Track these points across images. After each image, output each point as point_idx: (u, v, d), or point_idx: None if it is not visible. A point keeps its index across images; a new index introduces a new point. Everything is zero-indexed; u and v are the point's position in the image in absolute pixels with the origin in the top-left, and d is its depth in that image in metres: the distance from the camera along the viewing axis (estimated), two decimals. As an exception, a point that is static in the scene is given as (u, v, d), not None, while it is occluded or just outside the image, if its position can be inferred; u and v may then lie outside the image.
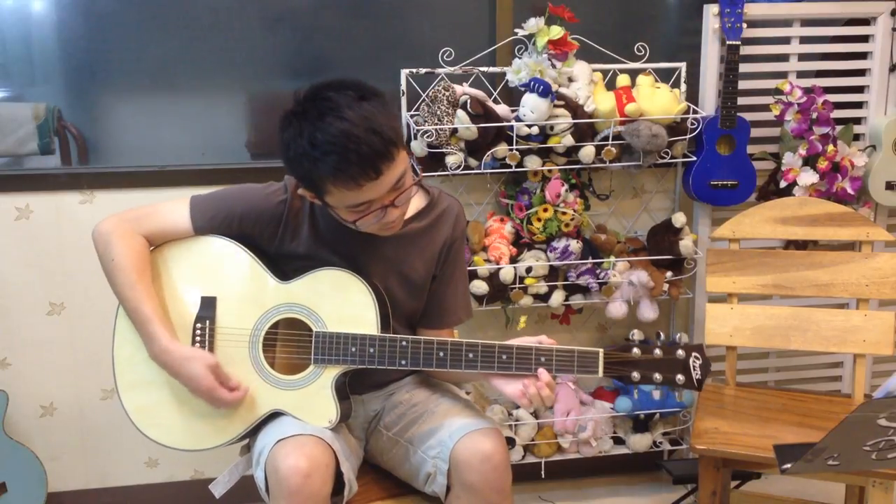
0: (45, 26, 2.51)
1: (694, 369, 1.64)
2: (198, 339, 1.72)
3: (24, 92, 2.54)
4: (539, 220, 2.46)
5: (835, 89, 2.62)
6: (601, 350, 1.64)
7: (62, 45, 2.53)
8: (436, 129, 2.32)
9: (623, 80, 2.48)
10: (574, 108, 2.41)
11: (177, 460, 2.66)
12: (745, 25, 2.47)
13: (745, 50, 2.51)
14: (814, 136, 2.51)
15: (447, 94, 2.33)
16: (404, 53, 2.65)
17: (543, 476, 2.64)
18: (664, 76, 2.54)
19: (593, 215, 2.63)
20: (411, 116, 2.42)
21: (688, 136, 2.50)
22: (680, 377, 1.63)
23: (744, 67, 2.48)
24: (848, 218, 2.26)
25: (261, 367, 1.72)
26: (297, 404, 1.71)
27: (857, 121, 2.68)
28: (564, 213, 2.46)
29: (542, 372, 1.63)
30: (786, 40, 2.63)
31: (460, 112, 2.33)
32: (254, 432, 1.74)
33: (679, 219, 2.54)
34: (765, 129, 2.63)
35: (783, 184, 2.57)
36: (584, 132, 2.43)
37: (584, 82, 2.46)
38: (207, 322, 1.72)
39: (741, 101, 2.49)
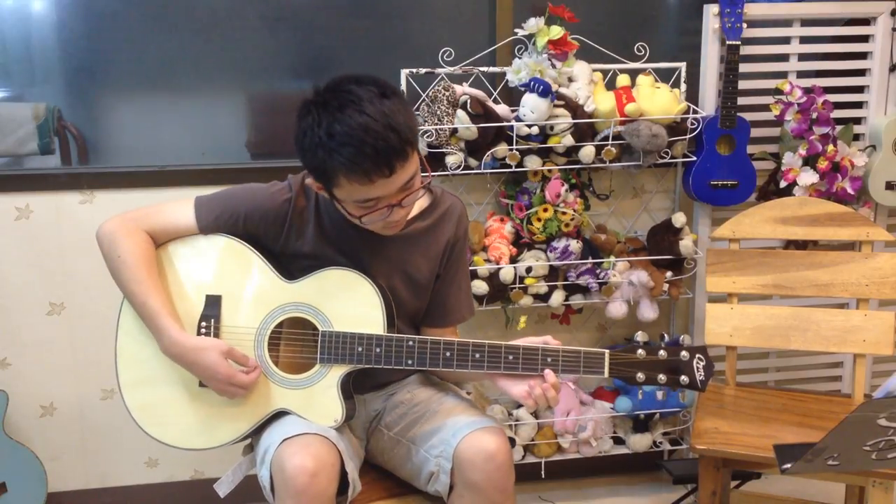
0: (45, 26, 2.51)
1: (698, 370, 1.65)
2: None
3: (24, 92, 2.54)
4: (539, 220, 2.46)
5: (835, 89, 2.62)
6: (607, 351, 1.65)
7: (62, 45, 2.53)
8: (436, 129, 2.32)
9: (623, 80, 2.48)
10: (574, 108, 2.41)
11: (177, 460, 2.66)
12: (745, 25, 2.48)
13: (745, 50, 2.51)
14: (814, 136, 2.52)
15: (447, 94, 2.33)
16: (404, 53, 2.65)
17: (543, 476, 2.64)
18: (664, 76, 2.54)
19: (593, 215, 2.63)
20: (411, 116, 2.42)
21: (688, 136, 2.50)
22: (684, 378, 1.64)
23: (744, 67, 2.48)
24: (848, 218, 2.26)
25: (266, 366, 1.72)
26: (302, 403, 1.71)
27: (857, 121, 2.68)
28: (564, 213, 2.46)
29: (548, 373, 1.64)
30: (786, 40, 2.63)
31: (460, 112, 2.33)
32: (257, 432, 1.74)
33: (679, 219, 2.54)
34: (765, 129, 2.63)
35: (783, 184, 2.57)
36: (584, 132, 2.43)
37: (584, 82, 2.46)
38: (212, 321, 1.72)
39: (741, 101, 2.49)
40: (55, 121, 2.49)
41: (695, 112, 2.49)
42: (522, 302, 2.51)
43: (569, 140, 2.41)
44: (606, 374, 1.65)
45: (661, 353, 1.65)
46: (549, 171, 2.46)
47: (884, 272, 2.21)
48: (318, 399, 1.70)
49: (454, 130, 2.34)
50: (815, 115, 2.50)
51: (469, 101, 2.33)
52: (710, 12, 2.54)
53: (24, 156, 2.50)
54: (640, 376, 1.64)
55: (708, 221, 2.67)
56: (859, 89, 2.68)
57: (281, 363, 1.74)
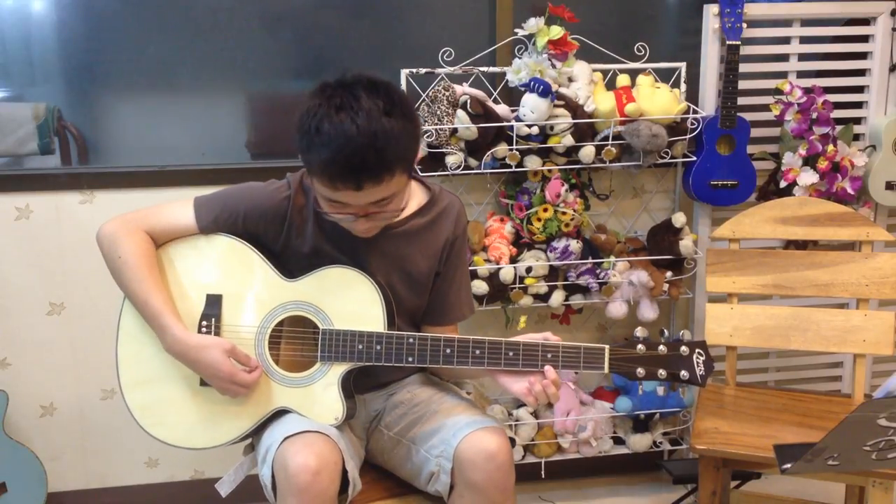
0: (45, 26, 2.51)
1: (698, 366, 1.65)
2: None
3: (24, 92, 2.54)
4: (539, 220, 2.46)
5: (835, 89, 2.62)
6: (607, 346, 1.65)
7: (62, 45, 2.53)
8: (436, 129, 2.32)
9: (623, 80, 2.48)
10: (574, 108, 2.41)
11: (177, 460, 2.66)
12: (745, 25, 2.48)
13: (745, 50, 2.51)
14: (814, 136, 2.52)
15: (447, 94, 2.33)
16: (404, 53, 2.65)
17: (543, 476, 2.64)
18: (664, 76, 2.54)
19: (593, 215, 2.63)
20: (411, 116, 2.42)
21: (688, 136, 2.50)
22: (684, 373, 1.65)
23: (744, 67, 2.48)
24: (848, 218, 2.26)
25: (266, 365, 1.72)
26: (302, 402, 1.71)
27: (857, 121, 2.68)
28: (564, 213, 2.46)
29: (548, 370, 1.64)
30: (786, 40, 2.63)
31: (460, 112, 2.33)
32: (258, 431, 1.74)
33: (679, 219, 2.54)
34: (765, 129, 2.63)
35: (783, 184, 2.57)
36: (584, 132, 2.43)
37: (584, 82, 2.46)
38: (213, 320, 1.72)
39: (741, 101, 2.49)
40: (55, 121, 2.49)
41: (695, 112, 2.49)
42: (522, 302, 2.51)
43: (569, 140, 2.41)
44: (606, 370, 1.65)
45: (661, 348, 1.65)
46: (549, 171, 2.46)
47: (884, 272, 2.21)
48: (318, 397, 1.70)
49: (454, 130, 2.34)
50: (815, 115, 2.50)
51: (469, 101, 2.33)
52: (710, 12, 2.54)
53: (24, 156, 2.50)
54: (640, 372, 1.65)
55: (708, 221, 2.67)
56: (859, 89, 2.68)
57: (282, 362, 1.75)
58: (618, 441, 2.71)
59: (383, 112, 1.52)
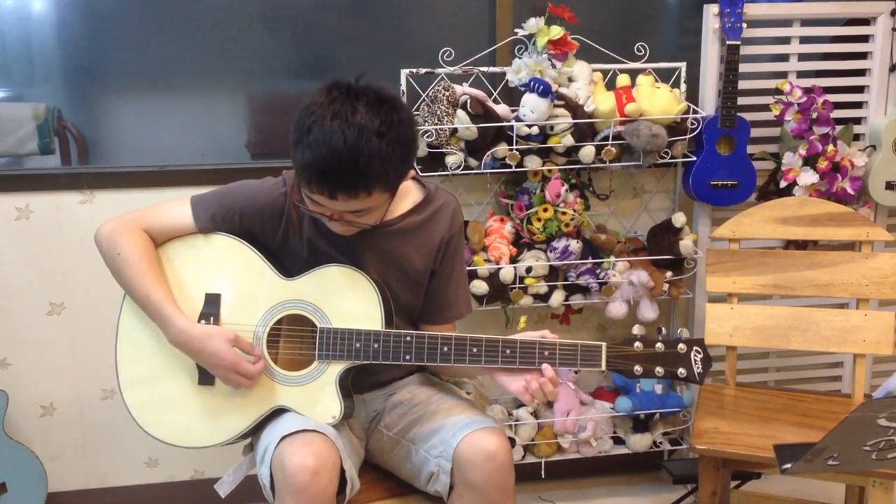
0: (45, 26, 2.51)
1: (695, 363, 1.65)
2: None
3: (24, 92, 2.54)
4: (539, 220, 2.46)
5: (835, 89, 2.62)
6: (604, 344, 1.65)
7: (62, 45, 2.53)
8: (436, 129, 2.32)
9: (623, 80, 2.48)
10: (574, 108, 2.41)
11: (177, 460, 2.66)
12: (745, 25, 2.48)
13: (745, 50, 2.51)
14: (814, 136, 2.51)
15: (447, 94, 2.33)
16: (404, 53, 2.65)
17: (543, 476, 2.64)
18: (664, 76, 2.54)
19: (593, 215, 2.63)
20: (411, 116, 2.42)
21: (688, 136, 2.50)
22: (682, 371, 1.65)
23: (744, 67, 2.48)
24: (848, 218, 2.26)
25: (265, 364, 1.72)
26: (300, 400, 1.71)
27: (857, 121, 2.68)
28: (564, 213, 2.46)
29: (545, 367, 1.64)
30: (786, 40, 2.63)
31: (460, 112, 2.33)
32: (256, 430, 1.74)
33: (679, 219, 2.54)
34: (765, 129, 2.63)
35: (783, 184, 2.57)
36: (584, 132, 2.43)
37: (584, 82, 2.46)
38: (212, 318, 1.72)
39: (741, 101, 2.49)
40: (55, 121, 2.49)
41: (695, 112, 2.49)
42: (522, 302, 2.51)
43: (569, 140, 2.41)
44: (604, 367, 1.65)
45: (659, 345, 1.65)
46: (549, 171, 2.46)
47: (884, 272, 2.21)
48: (316, 396, 1.70)
49: (454, 130, 2.34)
50: (815, 115, 2.50)
51: (469, 101, 2.33)
52: (710, 12, 2.54)
53: (24, 156, 2.50)
54: (638, 369, 1.65)
55: (708, 221, 2.67)
56: (859, 89, 2.68)
57: (280, 360, 1.75)
58: (618, 441, 2.71)
59: (376, 132, 1.52)
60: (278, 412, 1.72)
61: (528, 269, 2.47)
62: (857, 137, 2.68)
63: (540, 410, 2.63)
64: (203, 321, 1.72)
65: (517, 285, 2.47)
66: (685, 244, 2.54)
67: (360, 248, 1.75)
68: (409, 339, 1.68)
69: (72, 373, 2.57)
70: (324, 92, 1.57)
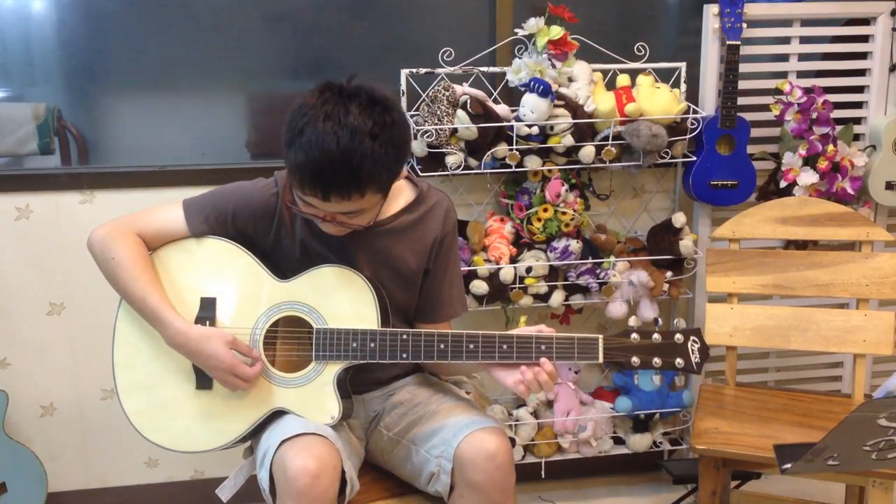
0: (45, 26, 2.51)
1: (693, 353, 1.65)
2: None
3: (24, 92, 2.54)
4: (539, 220, 2.46)
5: (835, 89, 2.62)
6: (600, 336, 1.65)
7: (62, 45, 2.53)
8: (436, 129, 2.32)
9: (623, 80, 2.48)
10: (574, 108, 2.41)
11: (177, 460, 2.66)
12: (745, 25, 2.47)
13: (745, 50, 2.51)
14: (814, 136, 2.51)
15: (447, 94, 2.33)
16: (404, 53, 2.65)
17: (543, 476, 2.64)
18: (664, 76, 2.54)
19: (593, 215, 2.63)
20: (411, 116, 2.42)
21: (688, 136, 2.50)
22: (679, 361, 1.64)
23: (744, 67, 2.48)
24: (848, 218, 2.27)
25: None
26: (299, 401, 1.71)
27: (857, 121, 2.68)
28: (564, 213, 2.46)
29: (544, 361, 1.63)
30: (786, 40, 2.63)
31: (460, 112, 2.33)
32: (256, 433, 1.74)
33: (679, 219, 2.54)
34: (765, 129, 2.63)
35: (783, 184, 2.57)
36: (584, 132, 2.43)
37: (584, 82, 2.46)
38: (207, 323, 1.72)
39: (741, 101, 2.49)
40: (55, 121, 2.49)
41: (695, 112, 2.49)
42: (522, 302, 2.51)
43: (569, 140, 2.41)
44: (601, 360, 1.64)
45: (656, 336, 1.65)
46: (549, 171, 2.46)
47: (884, 272, 2.21)
48: (314, 396, 1.70)
49: (454, 130, 2.34)
50: (815, 115, 2.50)
51: (469, 101, 2.33)
52: (710, 12, 2.54)
53: (24, 156, 2.50)
54: (635, 360, 1.64)
55: (708, 221, 2.67)
56: (859, 89, 2.68)
57: (277, 362, 1.75)
58: (618, 441, 2.71)
59: (369, 133, 1.52)
60: (277, 414, 1.72)
61: (528, 269, 2.47)
62: (857, 137, 2.68)
63: (540, 410, 2.63)
64: (199, 325, 1.72)
65: (517, 285, 2.47)
66: (685, 244, 2.54)
67: (352, 249, 1.75)
68: (405, 337, 1.68)
69: (72, 373, 2.57)
70: (315, 93, 1.56)
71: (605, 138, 2.43)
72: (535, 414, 2.63)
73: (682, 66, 2.55)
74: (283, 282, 1.73)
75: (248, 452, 1.87)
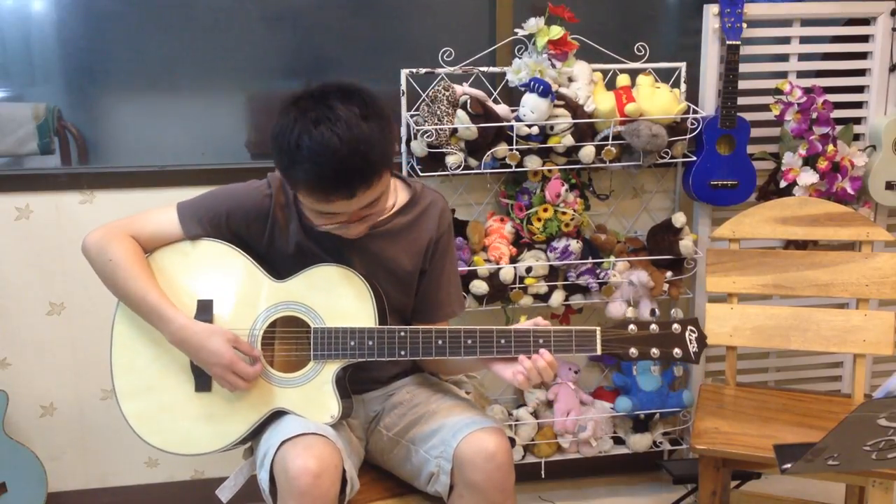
0: (45, 26, 2.51)
1: (690, 342, 1.65)
2: None
3: (24, 92, 2.54)
4: (539, 220, 2.46)
5: (835, 89, 2.62)
6: (598, 328, 1.65)
7: (62, 45, 2.53)
8: (436, 129, 2.32)
9: (623, 80, 2.48)
10: (574, 108, 2.41)
11: (177, 460, 2.66)
12: (745, 25, 2.47)
13: (745, 50, 2.51)
14: (814, 136, 2.51)
15: (447, 94, 2.33)
16: (404, 53, 2.65)
17: (543, 476, 2.64)
18: (664, 76, 2.54)
19: (593, 215, 2.63)
20: (411, 116, 2.42)
21: (688, 136, 2.49)
22: (677, 351, 1.64)
23: (744, 67, 2.48)
24: (848, 218, 2.26)
25: None
26: (298, 401, 1.71)
27: (857, 121, 2.68)
28: (564, 213, 2.46)
29: (543, 352, 1.63)
30: (786, 40, 2.63)
31: (460, 112, 2.33)
32: (256, 434, 1.74)
33: (679, 219, 2.54)
34: (765, 129, 2.63)
35: (783, 184, 2.57)
36: (584, 132, 2.43)
37: (584, 82, 2.46)
38: None
39: (741, 101, 2.49)
40: (55, 121, 2.49)
41: (695, 112, 2.49)
42: (522, 302, 2.51)
43: (569, 140, 2.41)
44: (599, 351, 1.64)
45: (653, 327, 1.65)
46: (549, 171, 2.46)
47: (884, 272, 2.21)
48: (313, 396, 1.70)
49: (454, 130, 2.34)
50: (815, 115, 2.50)
51: (469, 101, 2.33)
52: (710, 12, 2.54)
53: (24, 156, 2.50)
54: (633, 352, 1.64)
55: (708, 221, 2.67)
56: (859, 89, 2.67)
57: (276, 363, 1.75)
58: (618, 441, 2.71)
59: (361, 117, 1.53)
60: (277, 415, 1.72)
61: (528, 269, 2.47)
62: (857, 137, 2.68)
63: (540, 410, 2.63)
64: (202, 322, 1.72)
65: (517, 285, 2.47)
66: (685, 244, 2.54)
67: (348, 251, 1.75)
68: (402, 334, 1.68)
69: (72, 373, 2.57)
70: (291, 108, 1.56)
71: (605, 138, 2.43)
72: (535, 414, 2.62)
73: (682, 66, 2.55)
74: (279, 282, 1.73)
75: (248, 453, 1.87)
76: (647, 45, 2.51)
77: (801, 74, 2.64)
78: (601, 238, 2.56)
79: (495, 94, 2.49)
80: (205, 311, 1.73)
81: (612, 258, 2.53)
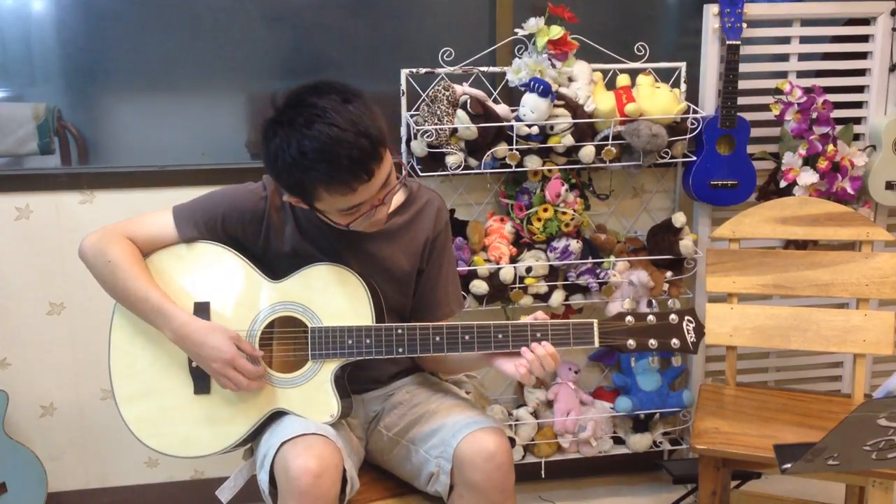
0: (45, 26, 2.51)
1: (688, 332, 1.65)
2: None
3: (24, 92, 2.54)
4: (539, 220, 2.46)
5: (835, 89, 2.62)
6: (595, 321, 1.65)
7: (62, 45, 2.53)
8: (436, 129, 2.32)
9: (623, 79, 2.48)
10: (574, 108, 2.41)
11: (177, 461, 2.63)
12: (745, 25, 2.47)
13: (745, 50, 2.51)
14: (814, 135, 2.51)
15: (447, 94, 2.33)
16: (404, 53, 2.65)
17: (543, 476, 2.64)
18: (664, 76, 2.54)
19: (593, 215, 2.63)
20: (411, 116, 2.42)
21: (688, 136, 2.49)
22: (675, 341, 1.64)
23: (744, 67, 2.48)
24: (848, 218, 2.26)
25: None
26: (297, 401, 1.71)
27: (857, 121, 2.68)
28: (564, 213, 2.46)
29: (545, 344, 1.63)
30: (786, 40, 2.63)
31: (460, 112, 2.33)
32: (255, 435, 1.74)
33: (679, 219, 2.54)
34: (765, 129, 2.63)
35: (783, 184, 2.57)
36: (584, 132, 2.43)
37: (584, 82, 2.46)
38: None
39: (741, 101, 2.49)
40: (55, 121, 2.49)
41: (695, 112, 2.49)
42: (522, 302, 2.51)
43: (569, 140, 2.41)
44: (597, 344, 1.64)
45: (650, 318, 1.65)
46: (549, 171, 2.46)
47: (884, 272, 2.21)
48: (312, 395, 1.70)
49: (454, 130, 2.34)
50: (815, 115, 2.50)
51: (469, 101, 2.33)
52: (710, 12, 2.54)
53: (24, 156, 2.50)
54: (631, 343, 1.64)
55: (708, 221, 2.67)
56: (859, 89, 2.67)
57: (274, 363, 1.75)
58: (618, 441, 2.71)
59: (343, 102, 1.54)
60: (276, 415, 1.72)
61: (528, 269, 2.47)
62: (857, 137, 2.68)
63: (540, 410, 2.63)
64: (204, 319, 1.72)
65: (517, 285, 2.47)
66: (685, 244, 2.54)
67: (345, 252, 1.75)
68: (400, 331, 1.68)
69: (72, 373, 2.57)
70: (273, 128, 1.56)
71: (605, 138, 2.43)
72: (535, 414, 2.62)
73: (682, 66, 2.55)
74: (275, 282, 1.74)
75: (248, 454, 1.87)
76: (647, 45, 2.51)
77: (801, 74, 2.64)
78: (601, 238, 2.56)
79: (495, 94, 2.49)
80: (202, 313, 1.73)
81: (612, 258, 2.53)
